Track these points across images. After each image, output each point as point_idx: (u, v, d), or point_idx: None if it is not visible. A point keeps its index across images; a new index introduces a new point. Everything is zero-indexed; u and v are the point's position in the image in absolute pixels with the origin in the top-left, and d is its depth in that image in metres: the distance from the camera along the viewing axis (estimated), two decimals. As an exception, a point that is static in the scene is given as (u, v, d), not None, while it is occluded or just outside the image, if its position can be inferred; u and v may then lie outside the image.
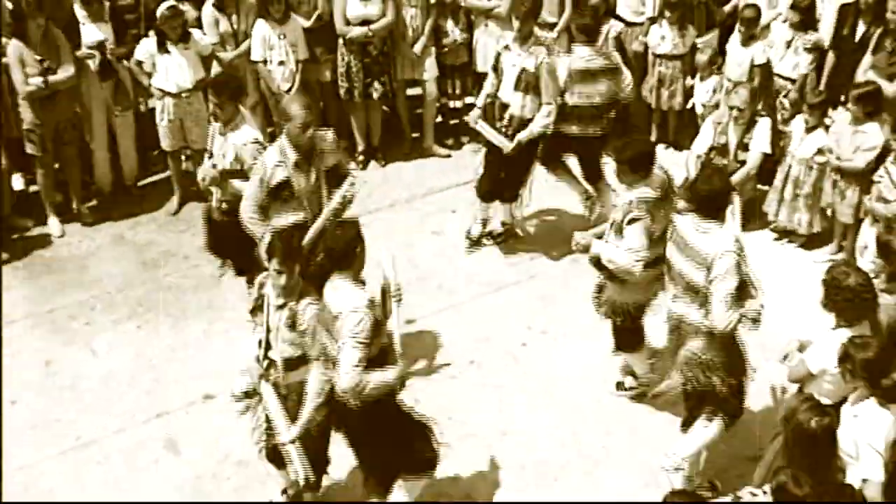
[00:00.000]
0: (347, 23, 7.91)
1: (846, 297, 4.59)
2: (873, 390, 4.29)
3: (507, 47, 6.87)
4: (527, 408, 5.99)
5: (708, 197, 4.92)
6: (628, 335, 5.81)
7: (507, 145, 6.78)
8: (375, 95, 8.20)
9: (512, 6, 7.69)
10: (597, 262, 5.52)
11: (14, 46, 7.12)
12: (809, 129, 7.03)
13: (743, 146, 7.08)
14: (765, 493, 4.26)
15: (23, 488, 5.63)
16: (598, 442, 5.84)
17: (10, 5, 7.49)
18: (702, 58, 7.80)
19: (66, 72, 7.28)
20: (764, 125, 7.06)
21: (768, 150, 7.11)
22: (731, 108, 7.03)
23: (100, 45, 7.44)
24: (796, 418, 4.06)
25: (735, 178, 7.12)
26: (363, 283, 4.78)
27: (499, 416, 5.94)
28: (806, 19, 7.46)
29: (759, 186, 7.61)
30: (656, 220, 5.27)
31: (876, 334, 4.66)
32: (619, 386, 6.16)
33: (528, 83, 6.73)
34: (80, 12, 7.50)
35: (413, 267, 7.19)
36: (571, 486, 5.59)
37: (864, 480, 4.16)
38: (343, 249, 4.70)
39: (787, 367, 4.90)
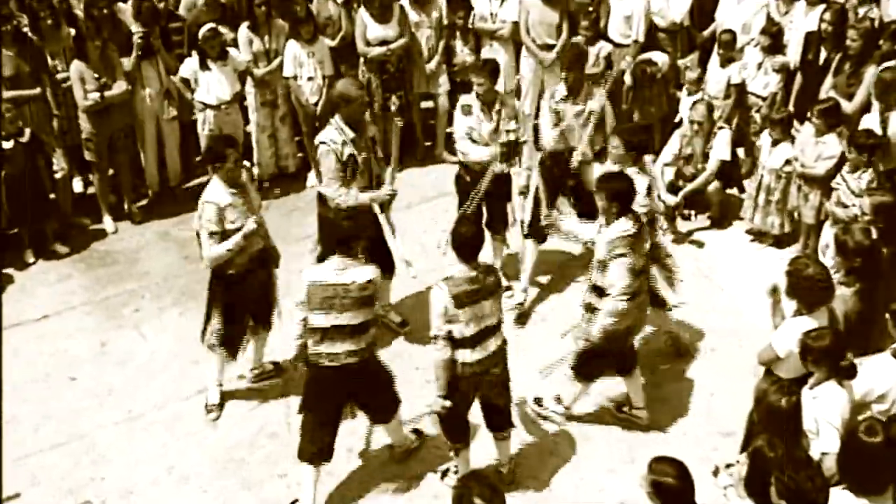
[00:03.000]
0: (368, 44, 7.97)
1: (805, 286, 4.65)
2: (832, 374, 4.33)
3: (564, 99, 6.38)
4: (524, 385, 5.97)
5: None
6: (619, 359, 5.55)
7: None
8: (392, 108, 8.25)
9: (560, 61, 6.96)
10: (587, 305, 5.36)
11: (76, 66, 7.22)
12: (775, 143, 7.08)
13: (705, 155, 7.22)
14: (738, 462, 4.33)
15: (82, 454, 5.73)
16: (587, 419, 5.87)
17: (73, 31, 7.61)
18: (691, 75, 7.83)
19: (119, 87, 7.38)
20: (723, 136, 7.22)
21: (727, 158, 7.25)
22: (692, 122, 7.16)
23: (145, 33, 7.48)
24: (767, 399, 4.11)
25: (697, 183, 7.27)
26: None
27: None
28: (774, 43, 7.50)
29: (729, 192, 7.70)
30: (637, 255, 5.16)
31: (832, 321, 4.73)
32: (539, 402, 5.89)
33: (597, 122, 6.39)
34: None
35: (425, 259, 7.24)
36: (564, 455, 5.63)
37: (824, 454, 4.20)
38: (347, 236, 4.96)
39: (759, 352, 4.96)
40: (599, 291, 5.22)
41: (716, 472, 5.09)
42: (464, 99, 6.49)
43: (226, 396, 6.09)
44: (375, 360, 5.23)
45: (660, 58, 8.01)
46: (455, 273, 4.77)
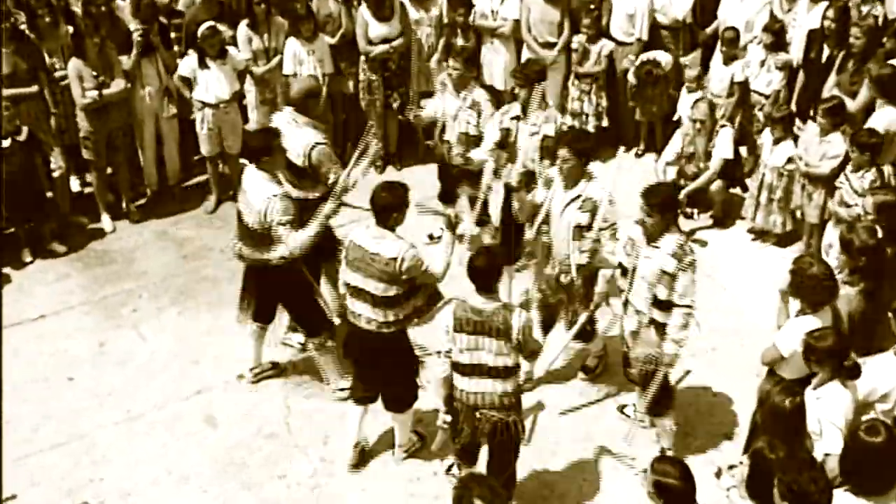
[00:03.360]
0: (369, 42, 7.96)
1: (808, 285, 4.66)
2: (835, 374, 4.34)
3: (517, 118, 6.19)
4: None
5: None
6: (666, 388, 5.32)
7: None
8: (395, 106, 8.26)
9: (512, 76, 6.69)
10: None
11: (73, 64, 7.21)
12: (777, 141, 7.09)
13: (707, 154, 7.22)
14: (741, 463, 4.34)
15: (81, 454, 5.74)
16: (588, 420, 5.88)
17: (70, 28, 7.60)
18: (690, 73, 7.84)
19: (118, 85, 7.38)
20: (725, 134, 7.21)
21: (730, 156, 7.27)
22: (694, 120, 7.16)
23: (144, 30, 7.49)
24: (771, 400, 4.12)
25: (700, 181, 7.27)
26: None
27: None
28: (777, 41, 7.51)
29: (732, 191, 7.70)
30: None
31: (836, 320, 4.73)
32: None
33: (551, 148, 6.01)
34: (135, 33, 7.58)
35: (426, 258, 7.23)
36: (565, 455, 5.65)
37: (827, 455, 4.20)
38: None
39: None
40: (664, 305, 5.03)
41: (718, 474, 5.12)
42: (442, 76, 6.71)
43: (225, 397, 6.11)
44: (400, 342, 5.22)
45: (664, 58, 8.01)
46: (469, 298, 4.67)
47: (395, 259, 4.93)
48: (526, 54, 8.30)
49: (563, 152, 5.43)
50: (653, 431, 5.67)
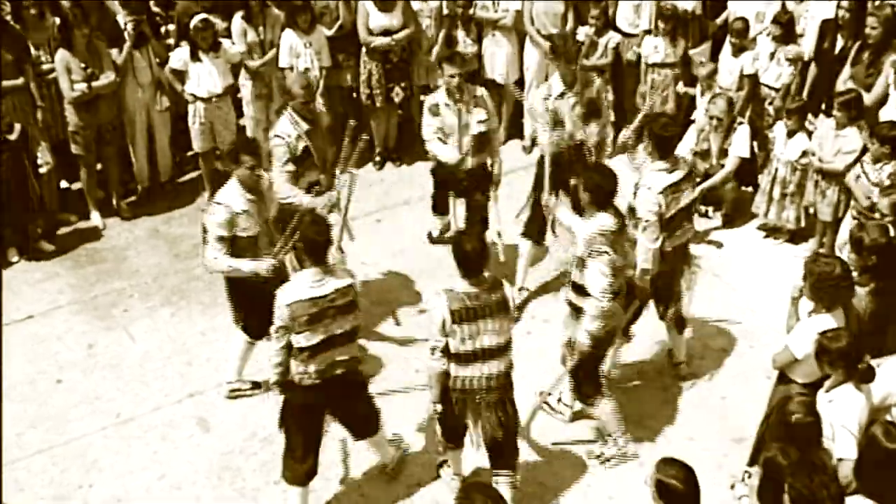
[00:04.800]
0: (370, 33, 7.95)
1: (829, 285, 4.63)
2: (848, 377, 4.34)
3: (561, 95, 6.22)
4: (527, 390, 5.90)
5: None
6: (589, 376, 5.41)
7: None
8: (397, 100, 8.25)
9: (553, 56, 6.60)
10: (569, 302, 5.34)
11: (61, 56, 7.21)
12: (791, 134, 7.07)
13: (723, 152, 7.19)
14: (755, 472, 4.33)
15: (70, 459, 5.74)
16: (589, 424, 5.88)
17: (57, 20, 7.60)
18: (702, 72, 7.81)
19: (107, 78, 7.38)
20: (742, 132, 7.18)
21: (746, 155, 7.23)
22: (711, 117, 7.13)
23: (137, 21, 7.50)
24: (785, 409, 4.12)
25: (715, 180, 7.25)
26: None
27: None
28: (786, 33, 7.48)
29: (743, 188, 7.69)
30: (618, 252, 5.09)
31: (850, 320, 4.71)
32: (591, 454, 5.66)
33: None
34: (121, 21, 7.58)
35: (425, 257, 7.25)
36: (570, 461, 5.65)
37: (840, 460, 4.20)
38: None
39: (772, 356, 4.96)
40: (579, 289, 5.19)
41: (733, 486, 5.11)
42: (430, 99, 6.52)
43: (219, 400, 6.11)
44: (360, 370, 5.16)
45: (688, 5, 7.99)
46: (456, 286, 4.68)
47: (351, 286, 4.84)
48: (529, 46, 8.30)
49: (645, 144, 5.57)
50: (661, 437, 5.69)
